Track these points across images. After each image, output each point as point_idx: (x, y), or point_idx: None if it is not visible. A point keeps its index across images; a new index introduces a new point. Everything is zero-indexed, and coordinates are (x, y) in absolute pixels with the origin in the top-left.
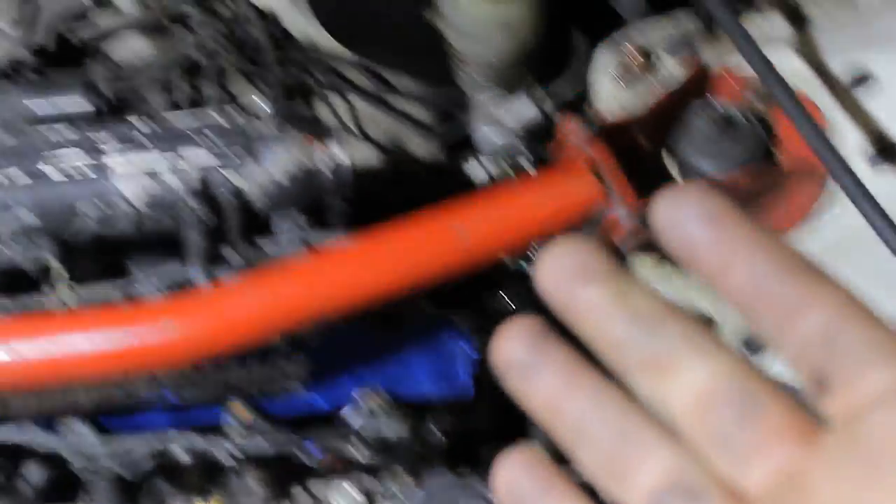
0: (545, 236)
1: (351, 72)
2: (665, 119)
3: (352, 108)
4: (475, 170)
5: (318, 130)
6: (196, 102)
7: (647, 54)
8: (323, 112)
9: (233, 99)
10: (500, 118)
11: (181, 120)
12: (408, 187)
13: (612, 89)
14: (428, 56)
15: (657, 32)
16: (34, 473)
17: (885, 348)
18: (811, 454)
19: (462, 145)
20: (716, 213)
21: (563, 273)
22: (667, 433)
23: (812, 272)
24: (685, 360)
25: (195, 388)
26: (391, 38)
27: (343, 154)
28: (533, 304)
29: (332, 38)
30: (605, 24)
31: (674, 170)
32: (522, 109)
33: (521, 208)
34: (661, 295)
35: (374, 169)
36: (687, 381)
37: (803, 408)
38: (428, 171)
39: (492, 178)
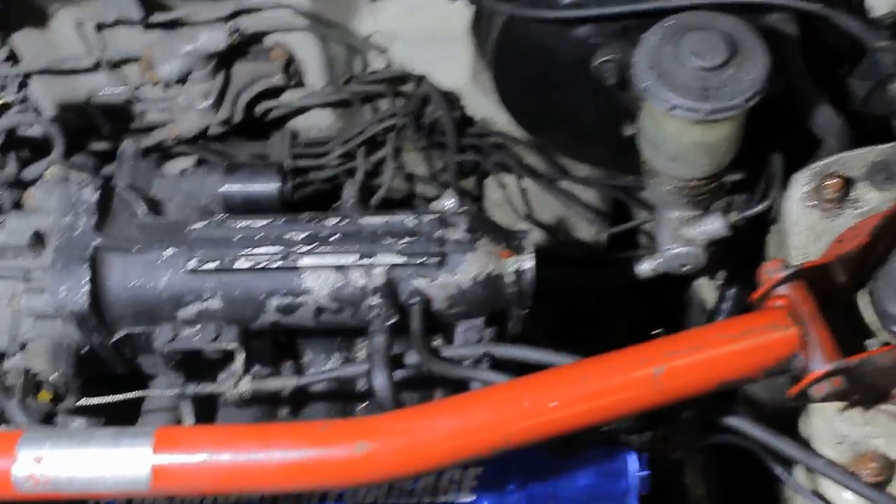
0: (738, 380)
1: (527, 155)
2: (865, 258)
3: (523, 190)
4: (644, 268)
5: (506, 238)
6: (373, 176)
7: (846, 184)
8: (495, 193)
9: (409, 177)
10: (688, 234)
11: (373, 221)
12: (570, 273)
13: (806, 217)
14: (609, 151)
15: (858, 162)
16: None
17: None
18: None
19: (631, 238)
20: None
21: None
22: None
23: None
24: None
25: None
26: (575, 131)
27: (530, 263)
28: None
29: (512, 121)
30: (804, 150)
31: (869, 313)
32: (712, 227)
33: (717, 353)
34: None
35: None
36: None
37: None
38: (591, 259)
39: (656, 277)
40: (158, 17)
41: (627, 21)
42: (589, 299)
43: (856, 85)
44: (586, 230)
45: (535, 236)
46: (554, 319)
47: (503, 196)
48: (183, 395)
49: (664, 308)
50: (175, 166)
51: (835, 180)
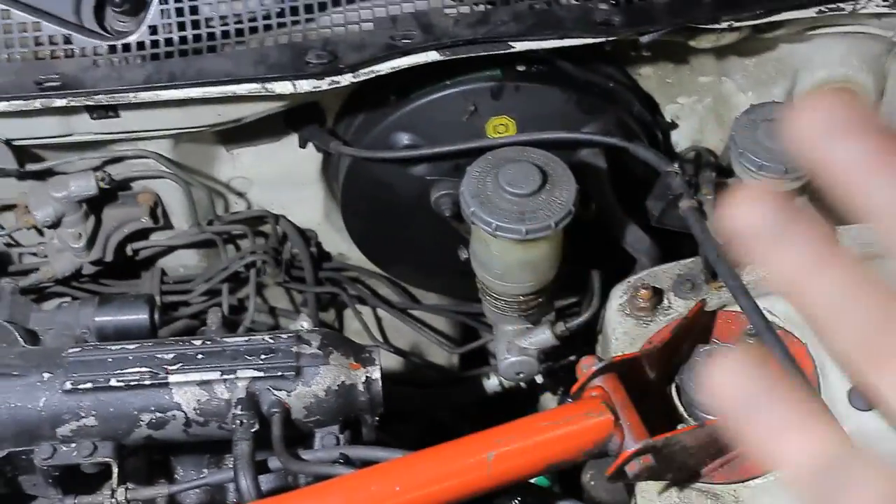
0: (561, 462)
1: (380, 286)
2: (671, 355)
3: (378, 319)
4: (491, 383)
5: (357, 352)
6: (238, 311)
7: (656, 294)
8: (353, 324)
9: (272, 310)
10: (521, 345)
11: (236, 341)
12: (425, 393)
13: (623, 324)
14: (453, 278)
15: (666, 275)
16: None
17: None
18: None
19: (480, 357)
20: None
21: (819, 128)
22: None
23: None
24: None
25: None
26: (420, 261)
27: (377, 374)
28: None
29: (363, 256)
30: (619, 267)
31: (678, 402)
32: (541, 338)
33: (542, 439)
34: None
35: (396, 376)
36: None
37: None
38: (445, 381)
39: (504, 391)
40: (32, 167)
41: (459, 159)
42: (443, 417)
43: (651, 205)
44: (439, 354)
45: (391, 362)
46: (413, 439)
47: (360, 326)
48: None
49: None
50: (52, 305)
51: (646, 291)
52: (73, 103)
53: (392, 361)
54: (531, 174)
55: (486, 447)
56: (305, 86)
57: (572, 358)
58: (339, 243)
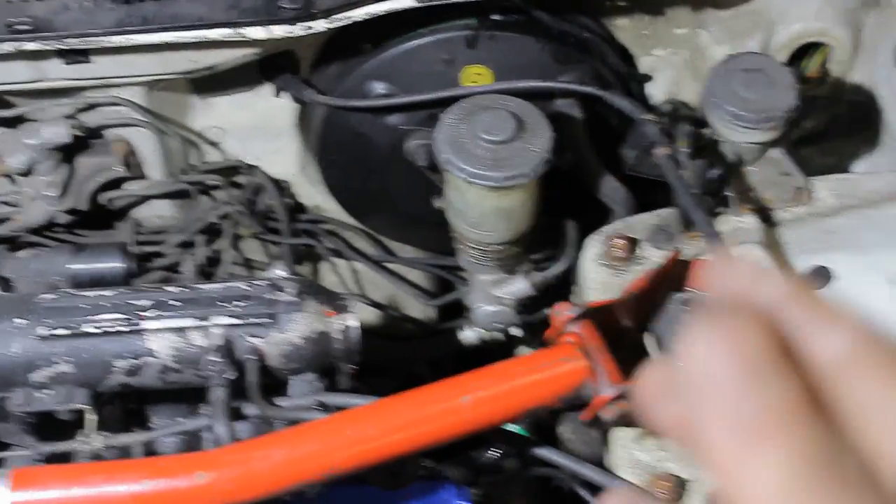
0: (537, 407)
1: (356, 239)
2: (646, 303)
3: (355, 272)
4: (467, 334)
5: (333, 300)
6: (214, 263)
7: (631, 244)
8: (330, 276)
9: (247, 262)
10: (497, 294)
11: (211, 288)
12: (401, 346)
13: (598, 274)
14: (429, 230)
15: (641, 225)
16: None
17: None
18: None
19: (456, 311)
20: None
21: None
22: None
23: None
24: None
25: None
26: (396, 212)
27: (355, 321)
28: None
29: (340, 208)
30: (595, 216)
31: (653, 349)
32: (517, 287)
33: (517, 384)
34: None
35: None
36: None
37: None
38: (421, 334)
39: (482, 344)
40: (3, 114)
41: (434, 108)
42: (421, 371)
43: (626, 153)
44: (415, 306)
45: (368, 315)
46: (390, 392)
47: (337, 279)
48: (38, 454)
49: None
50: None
51: (621, 241)
52: (44, 47)
53: (368, 314)
54: (506, 121)
55: (462, 391)
56: (279, 31)
57: (548, 311)
58: (314, 196)
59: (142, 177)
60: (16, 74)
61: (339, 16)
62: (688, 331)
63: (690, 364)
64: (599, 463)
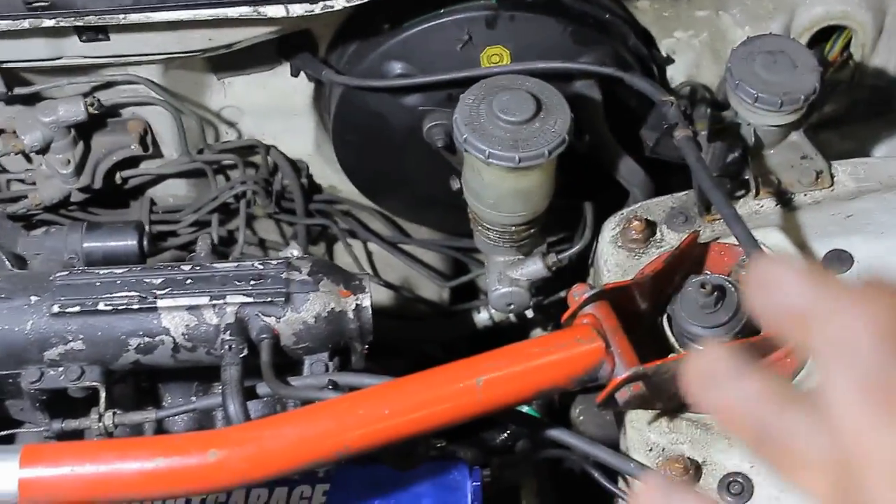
0: (552, 389)
1: (371, 220)
2: (663, 286)
3: (369, 252)
4: (482, 316)
5: (347, 280)
6: (228, 242)
7: (649, 227)
8: (344, 257)
9: (262, 242)
10: (512, 276)
11: (225, 267)
12: (415, 326)
13: (615, 257)
14: (445, 212)
15: (659, 208)
16: None
17: None
18: None
19: (470, 293)
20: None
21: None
22: None
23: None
24: None
25: None
26: (412, 193)
27: (367, 301)
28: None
29: (355, 189)
30: (613, 199)
31: (670, 333)
32: (533, 269)
33: (532, 365)
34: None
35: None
36: None
37: None
38: (435, 314)
39: (494, 325)
40: (20, 91)
41: (451, 89)
42: (435, 351)
43: (646, 135)
44: (429, 288)
45: (382, 295)
46: (403, 372)
47: (351, 260)
48: (50, 432)
49: None
50: (40, 232)
51: (639, 223)
52: (62, 23)
53: (382, 295)
54: (525, 102)
55: (477, 372)
56: (298, 9)
57: (563, 293)
58: (330, 176)
59: (157, 156)
60: (33, 51)
61: None
62: (829, 298)
63: (832, 330)
64: (612, 445)
